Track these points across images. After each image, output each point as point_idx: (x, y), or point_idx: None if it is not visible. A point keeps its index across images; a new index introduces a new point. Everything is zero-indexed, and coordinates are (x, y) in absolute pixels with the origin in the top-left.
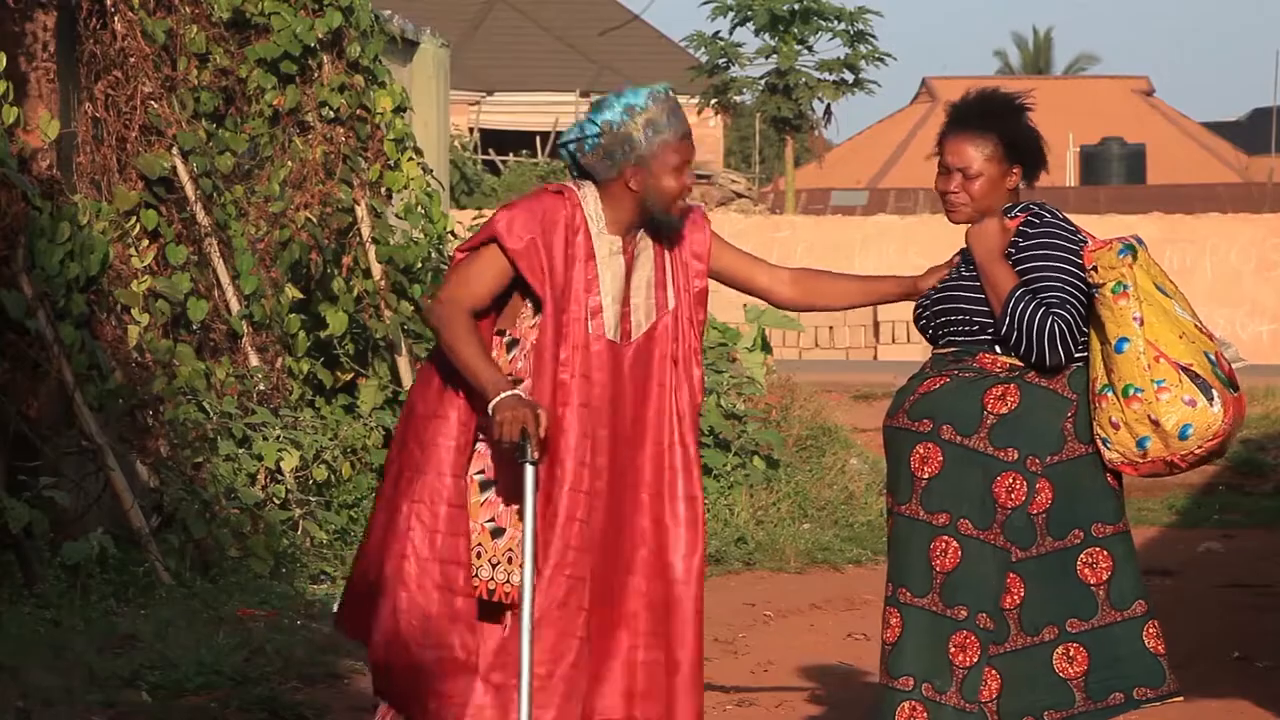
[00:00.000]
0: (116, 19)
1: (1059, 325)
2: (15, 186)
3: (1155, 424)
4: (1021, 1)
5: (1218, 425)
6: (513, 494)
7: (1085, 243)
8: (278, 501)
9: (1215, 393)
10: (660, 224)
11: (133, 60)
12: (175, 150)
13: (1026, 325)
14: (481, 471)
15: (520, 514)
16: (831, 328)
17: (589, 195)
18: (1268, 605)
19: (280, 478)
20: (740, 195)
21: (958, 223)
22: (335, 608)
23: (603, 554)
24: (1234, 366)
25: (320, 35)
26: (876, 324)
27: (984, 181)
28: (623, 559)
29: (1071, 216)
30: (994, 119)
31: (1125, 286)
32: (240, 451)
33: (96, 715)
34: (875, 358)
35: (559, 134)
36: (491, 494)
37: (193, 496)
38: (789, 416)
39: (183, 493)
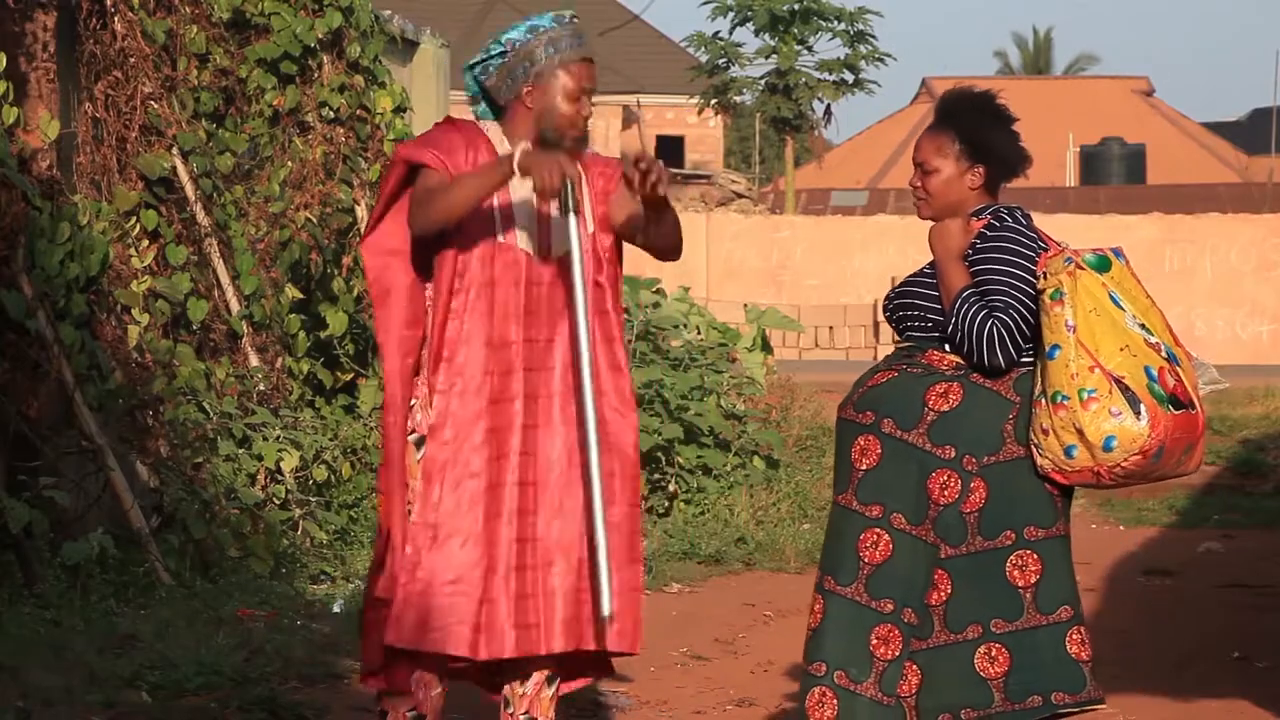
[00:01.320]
0: (116, 19)
1: (999, 329)
2: (15, 186)
3: (1080, 433)
4: (1021, 1)
5: (1144, 440)
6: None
7: (1045, 249)
8: (278, 502)
9: (1144, 408)
10: (549, 145)
11: (133, 60)
12: (175, 150)
13: (968, 326)
14: (414, 432)
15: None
16: (831, 328)
17: (490, 127)
18: (1268, 605)
19: (280, 478)
20: (740, 195)
21: (923, 218)
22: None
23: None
24: (1210, 389)
25: (320, 35)
26: (876, 324)
27: (939, 178)
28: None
29: (1071, 217)
30: (954, 116)
31: (1062, 294)
32: (240, 452)
33: (96, 715)
34: (875, 358)
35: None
36: (420, 453)
37: (193, 497)
38: (789, 416)
39: (183, 493)
